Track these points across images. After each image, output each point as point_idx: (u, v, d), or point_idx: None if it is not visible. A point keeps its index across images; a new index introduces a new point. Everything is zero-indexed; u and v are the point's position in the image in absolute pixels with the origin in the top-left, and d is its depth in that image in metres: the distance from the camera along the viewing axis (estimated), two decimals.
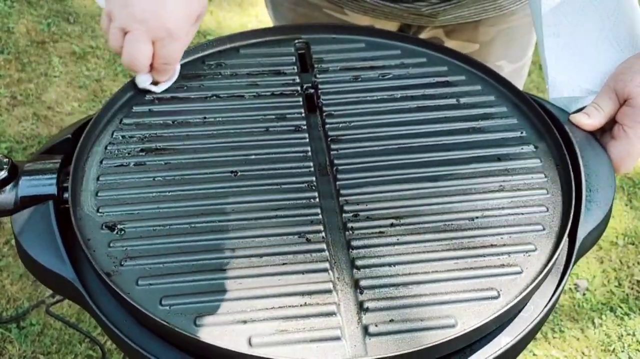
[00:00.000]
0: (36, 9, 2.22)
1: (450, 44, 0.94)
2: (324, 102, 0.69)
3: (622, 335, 1.48)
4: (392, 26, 0.95)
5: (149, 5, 0.63)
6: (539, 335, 1.49)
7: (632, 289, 1.58)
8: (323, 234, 0.57)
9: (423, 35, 0.95)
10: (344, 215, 0.59)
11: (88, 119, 0.65)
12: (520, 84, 1.03)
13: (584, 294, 1.57)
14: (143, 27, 0.62)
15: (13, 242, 1.58)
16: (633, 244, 1.67)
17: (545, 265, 0.54)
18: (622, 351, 1.46)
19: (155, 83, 0.69)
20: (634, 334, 1.48)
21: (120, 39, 0.63)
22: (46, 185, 0.59)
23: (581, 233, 0.58)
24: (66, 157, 0.62)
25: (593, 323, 1.51)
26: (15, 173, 0.60)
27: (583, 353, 1.46)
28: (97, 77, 2.03)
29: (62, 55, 2.09)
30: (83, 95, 1.98)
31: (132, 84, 0.69)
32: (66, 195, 0.59)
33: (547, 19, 0.71)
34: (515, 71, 0.98)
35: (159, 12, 0.62)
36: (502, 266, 0.55)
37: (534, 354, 1.46)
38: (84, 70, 2.05)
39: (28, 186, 0.59)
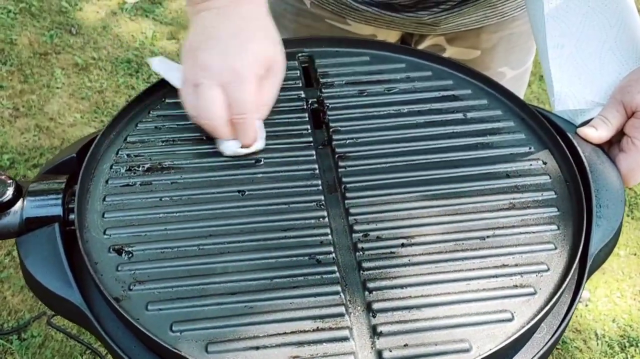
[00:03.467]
0: (39, 20, 2.21)
1: (452, 51, 0.94)
2: (330, 117, 0.69)
3: (625, 346, 1.49)
4: (394, 35, 0.94)
5: (214, 53, 0.61)
6: None
7: (634, 299, 1.58)
8: (333, 255, 0.56)
9: (425, 43, 0.94)
10: (354, 235, 0.58)
11: (93, 137, 0.64)
12: (522, 91, 1.03)
13: (586, 305, 1.57)
14: (209, 74, 0.60)
15: (14, 253, 1.58)
16: (635, 254, 1.68)
17: (559, 286, 0.54)
18: None
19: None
20: (637, 345, 1.49)
21: (193, 99, 0.62)
22: (51, 206, 0.58)
23: (592, 251, 0.58)
24: (71, 177, 0.61)
25: (596, 334, 1.52)
26: (19, 194, 0.59)
27: None
28: (99, 88, 2.03)
29: (65, 66, 2.09)
30: (85, 106, 1.98)
31: (136, 99, 0.68)
32: (72, 216, 0.58)
33: (551, 30, 0.70)
34: (517, 77, 0.98)
35: (224, 56, 0.61)
36: (516, 286, 0.54)
37: None
38: (86, 82, 2.04)
39: (33, 206, 0.59)
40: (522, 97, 1.02)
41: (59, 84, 2.03)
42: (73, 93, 2.02)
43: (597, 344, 1.50)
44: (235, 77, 0.60)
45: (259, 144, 0.65)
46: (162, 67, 0.68)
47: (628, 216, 1.77)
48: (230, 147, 0.63)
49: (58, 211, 0.58)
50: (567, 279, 0.54)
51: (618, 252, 1.68)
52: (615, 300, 1.58)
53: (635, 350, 1.48)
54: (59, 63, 2.10)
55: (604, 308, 1.56)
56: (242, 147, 0.63)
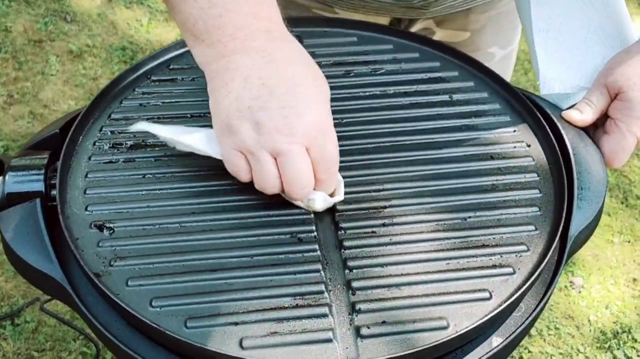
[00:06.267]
0: (34, 8, 2.20)
1: (441, 34, 0.94)
2: None
3: (617, 333, 1.50)
4: (382, 21, 0.94)
5: (282, 112, 0.51)
6: (533, 332, 1.49)
7: (628, 287, 1.59)
8: (315, 234, 0.56)
9: (414, 28, 0.94)
10: (336, 214, 0.58)
11: (76, 114, 0.64)
12: (509, 70, 1.02)
13: (579, 292, 1.58)
14: (295, 138, 0.51)
15: None
16: (629, 242, 1.68)
17: (537, 266, 0.54)
18: (618, 349, 1.47)
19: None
20: (629, 332, 1.49)
21: (274, 170, 0.52)
22: (33, 181, 0.58)
23: (572, 232, 0.58)
24: (54, 153, 0.61)
25: (589, 320, 1.52)
26: (1, 169, 0.59)
27: (578, 350, 1.47)
28: (93, 75, 2.02)
29: (59, 54, 2.08)
30: (79, 93, 1.97)
31: (121, 77, 0.68)
32: (54, 192, 0.58)
33: (536, 14, 0.70)
34: (506, 57, 0.98)
35: (302, 113, 0.52)
36: (495, 266, 0.55)
37: (529, 351, 1.47)
38: (80, 69, 2.04)
39: (15, 181, 0.58)
40: (509, 76, 1.02)
41: (53, 71, 2.03)
42: (67, 80, 2.01)
43: (590, 330, 1.50)
44: (321, 133, 0.53)
45: (342, 190, 0.58)
46: (164, 132, 0.58)
47: (622, 203, 1.77)
48: (321, 200, 0.56)
49: (40, 186, 0.58)
50: (546, 260, 0.54)
51: (612, 239, 1.68)
52: (608, 287, 1.58)
53: (627, 336, 1.49)
54: (53, 50, 2.09)
55: (597, 295, 1.57)
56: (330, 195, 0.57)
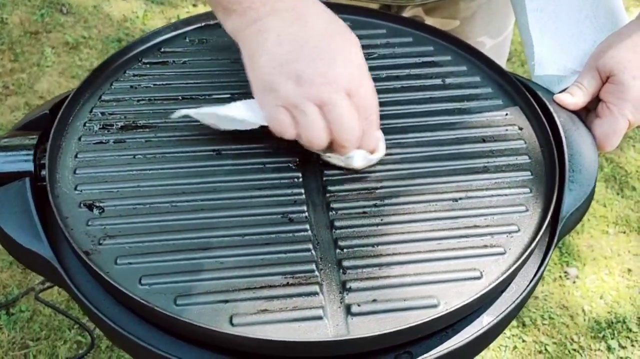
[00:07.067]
0: (30, 0, 2.20)
1: (430, 21, 0.93)
2: None
3: (612, 322, 1.50)
4: (372, 7, 0.93)
5: (315, 63, 0.52)
6: (528, 321, 1.50)
7: (622, 277, 1.59)
8: (306, 214, 0.56)
9: (404, 15, 0.94)
10: (327, 195, 0.58)
11: (66, 95, 0.64)
12: (503, 60, 1.02)
13: (574, 282, 1.58)
14: (337, 85, 0.52)
15: None
16: (624, 232, 1.68)
17: (528, 246, 0.54)
18: (612, 339, 1.47)
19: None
20: (623, 322, 1.50)
21: (321, 121, 0.53)
22: (23, 161, 0.58)
23: (563, 214, 0.58)
24: (43, 134, 0.61)
25: (583, 310, 1.53)
26: None
27: (572, 340, 1.48)
28: (89, 67, 2.02)
29: (55, 45, 2.08)
30: (75, 85, 1.96)
31: (112, 59, 0.68)
32: (43, 172, 0.58)
33: None
34: (497, 46, 0.98)
35: (332, 62, 0.53)
36: (485, 246, 0.54)
37: (523, 341, 1.47)
38: (76, 61, 2.04)
39: (4, 162, 0.58)
40: (503, 65, 1.01)
41: (49, 62, 2.02)
42: (63, 72, 2.01)
43: (584, 320, 1.51)
44: (356, 80, 0.54)
45: (382, 145, 0.59)
46: (205, 111, 0.59)
47: (618, 194, 1.77)
48: (361, 157, 0.57)
49: (29, 166, 0.58)
50: (537, 240, 0.54)
51: (607, 230, 1.69)
52: (603, 277, 1.59)
53: (622, 326, 1.49)
54: (49, 42, 2.09)
55: (592, 285, 1.57)
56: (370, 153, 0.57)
